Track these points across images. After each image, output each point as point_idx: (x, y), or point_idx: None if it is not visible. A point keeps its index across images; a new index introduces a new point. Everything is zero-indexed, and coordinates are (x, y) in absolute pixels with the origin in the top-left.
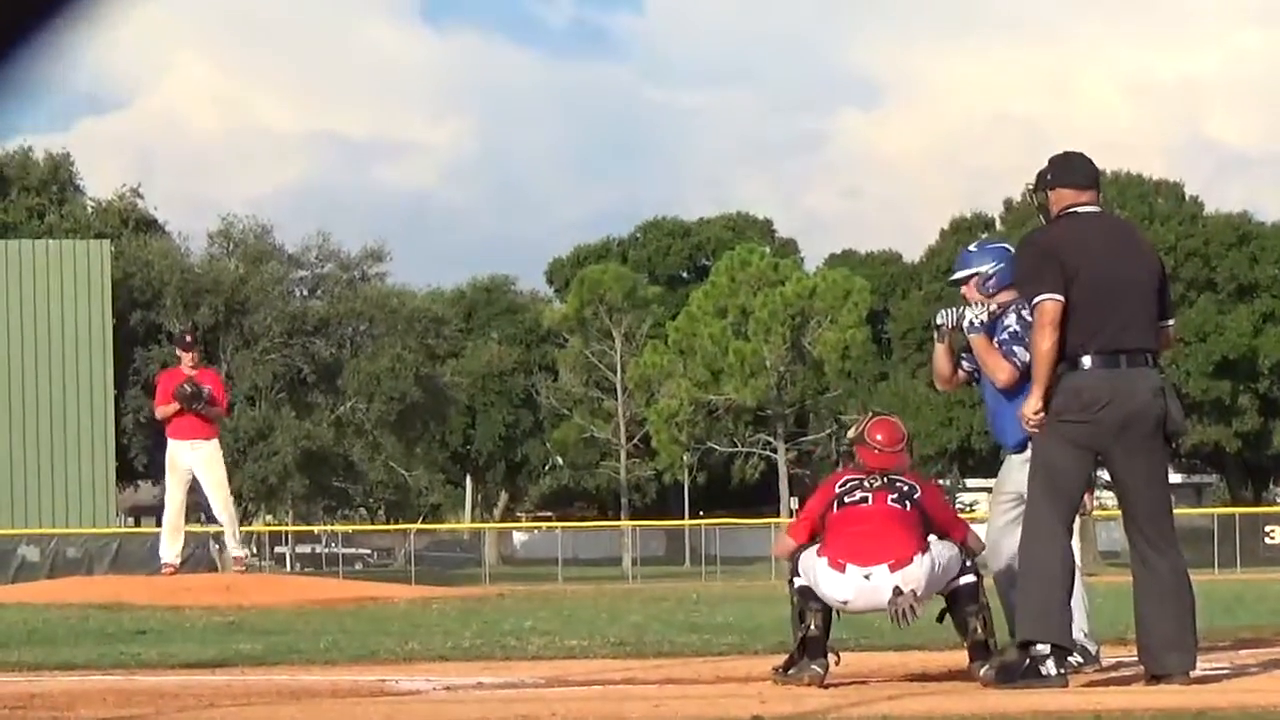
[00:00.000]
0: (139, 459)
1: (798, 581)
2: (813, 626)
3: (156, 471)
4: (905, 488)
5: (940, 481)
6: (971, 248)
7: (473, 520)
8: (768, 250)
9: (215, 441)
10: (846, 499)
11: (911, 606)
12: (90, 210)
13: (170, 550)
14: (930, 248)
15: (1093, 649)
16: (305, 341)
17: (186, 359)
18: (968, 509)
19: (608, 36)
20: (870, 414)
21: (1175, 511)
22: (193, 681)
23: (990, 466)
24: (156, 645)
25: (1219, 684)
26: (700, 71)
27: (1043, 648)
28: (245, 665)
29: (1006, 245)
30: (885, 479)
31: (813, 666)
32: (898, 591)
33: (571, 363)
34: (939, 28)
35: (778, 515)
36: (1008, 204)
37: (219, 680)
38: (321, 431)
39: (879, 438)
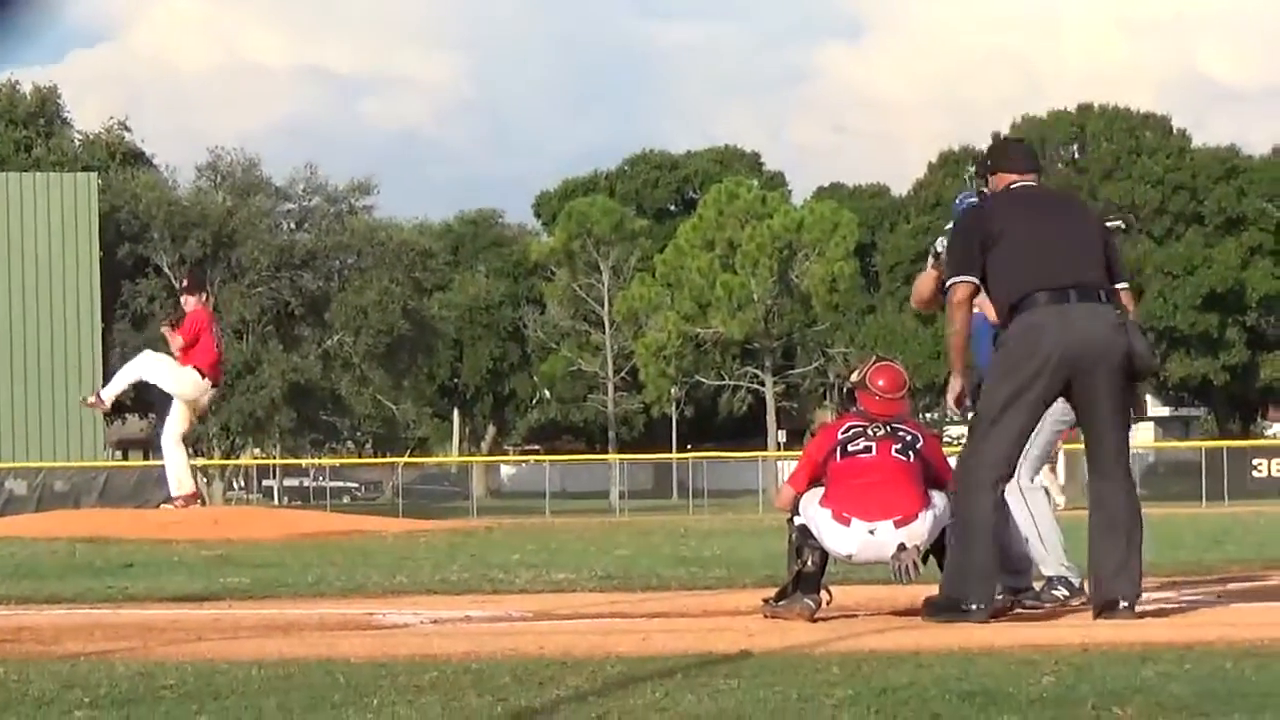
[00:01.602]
0: (126, 392)
1: (798, 520)
2: (809, 563)
3: (143, 405)
4: (909, 437)
5: (929, 415)
6: (957, 200)
7: (460, 453)
8: (755, 183)
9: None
10: (850, 447)
11: (915, 562)
12: (78, 143)
13: (182, 481)
14: (918, 181)
15: (1076, 581)
16: (293, 274)
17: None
18: (954, 443)
19: None
20: (873, 358)
21: (1163, 445)
22: (180, 615)
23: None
24: (144, 579)
25: (1207, 616)
26: (688, 5)
27: (971, 604)
28: (233, 599)
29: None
30: (889, 428)
31: (805, 600)
32: (902, 548)
33: (559, 296)
34: None
35: (765, 448)
36: (996, 137)
37: (207, 614)
38: (309, 365)
39: (881, 383)
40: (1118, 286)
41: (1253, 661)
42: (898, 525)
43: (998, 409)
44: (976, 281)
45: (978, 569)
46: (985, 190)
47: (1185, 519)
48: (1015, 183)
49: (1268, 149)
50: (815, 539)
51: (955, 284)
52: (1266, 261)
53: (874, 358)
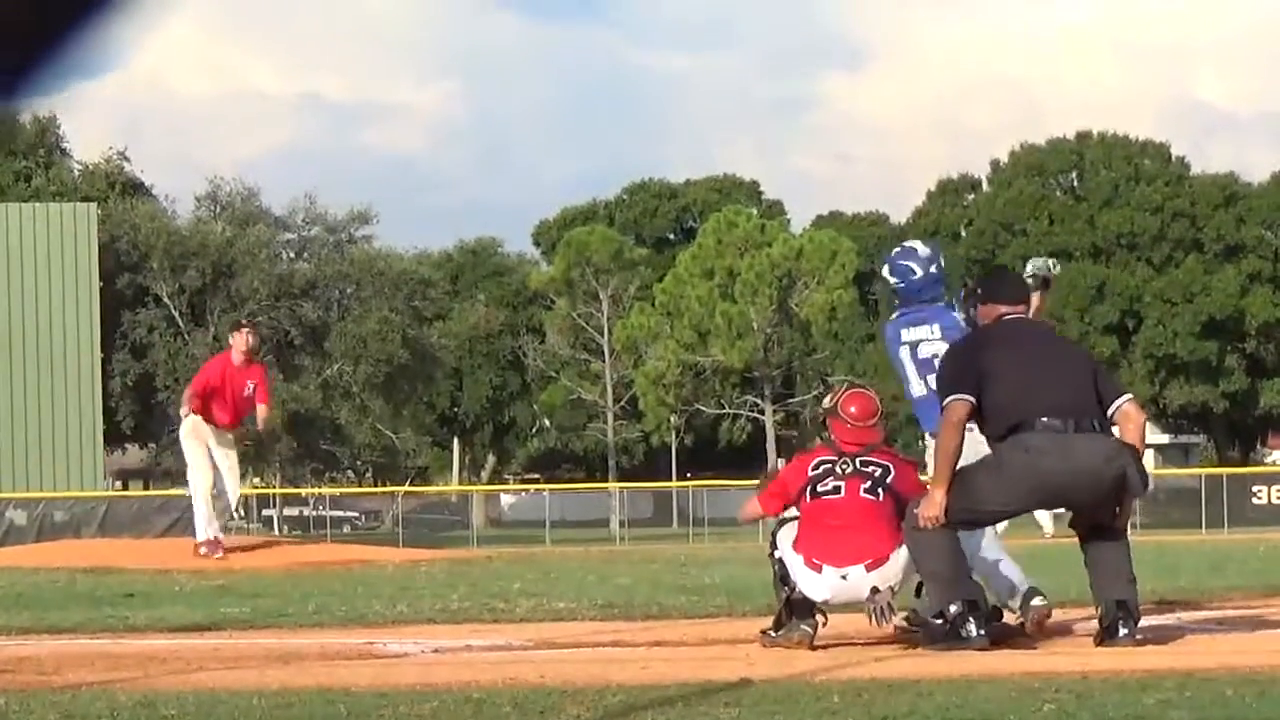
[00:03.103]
0: (126, 422)
1: (777, 554)
2: (798, 589)
3: (144, 435)
4: (878, 473)
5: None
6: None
7: (460, 483)
8: (754, 212)
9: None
10: (819, 487)
11: (890, 604)
12: (77, 173)
13: (213, 525)
14: (917, 209)
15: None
16: (292, 304)
17: (239, 345)
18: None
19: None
20: (845, 385)
21: (1163, 472)
22: (181, 645)
23: None
24: (145, 609)
25: (1207, 644)
26: (686, 34)
27: (955, 608)
28: (234, 628)
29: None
30: (856, 465)
31: (802, 627)
32: (875, 590)
33: (559, 325)
34: None
35: None
36: (994, 165)
37: (208, 644)
38: (309, 394)
39: (852, 410)
40: (1120, 401)
41: (1253, 689)
42: (869, 569)
43: (977, 492)
44: (973, 401)
45: (949, 576)
46: (973, 313)
47: (1185, 546)
48: (1006, 314)
49: (1267, 176)
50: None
51: (953, 402)
52: (1266, 288)
53: (846, 384)
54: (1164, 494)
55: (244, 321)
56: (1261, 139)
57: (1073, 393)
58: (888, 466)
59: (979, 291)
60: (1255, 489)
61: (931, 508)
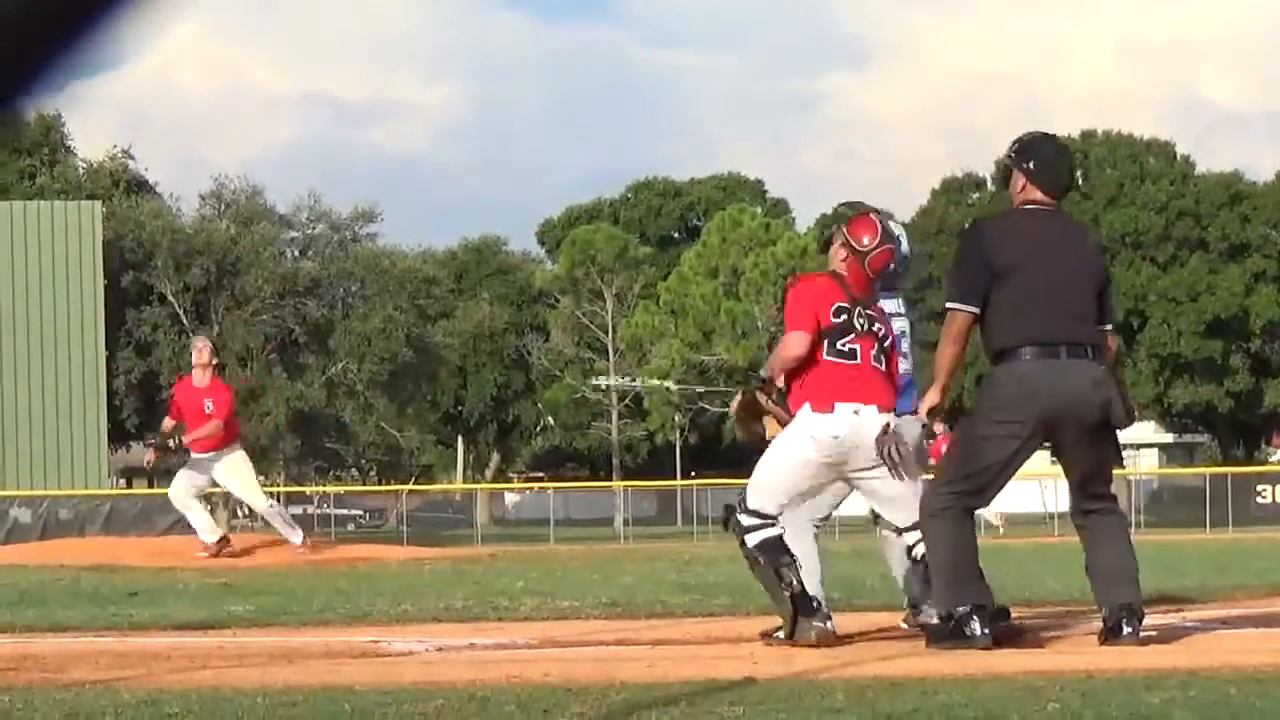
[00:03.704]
0: (131, 420)
1: (753, 538)
2: (795, 583)
3: (149, 432)
4: (885, 339)
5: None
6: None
7: (464, 481)
8: (759, 210)
9: (235, 447)
10: (839, 344)
11: (900, 448)
12: (81, 171)
13: (209, 529)
14: (921, 207)
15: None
16: (296, 302)
17: (194, 360)
18: None
19: None
20: (848, 211)
21: (1167, 471)
22: (185, 643)
23: None
24: (149, 607)
25: (1211, 644)
26: (690, 32)
27: (961, 609)
28: (238, 627)
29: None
30: (869, 323)
31: (815, 624)
32: (886, 428)
33: (563, 323)
34: None
35: None
36: (999, 164)
37: (212, 642)
38: (313, 392)
39: (865, 240)
40: (1102, 328)
41: (1257, 688)
42: (881, 410)
43: (977, 440)
44: (976, 312)
45: (959, 575)
46: (1008, 178)
47: (1190, 545)
48: (1035, 203)
49: (1271, 175)
50: (785, 554)
51: (956, 310)
52: (1270, 288)
53: (850, 209)
54: (1168, 493)
55: (201, 336)
56: (1267, 137)
57: (1072, 312)
58: (889, 334)
59: (1030, 165)
60: (1260, 488)
61: (927, 402)
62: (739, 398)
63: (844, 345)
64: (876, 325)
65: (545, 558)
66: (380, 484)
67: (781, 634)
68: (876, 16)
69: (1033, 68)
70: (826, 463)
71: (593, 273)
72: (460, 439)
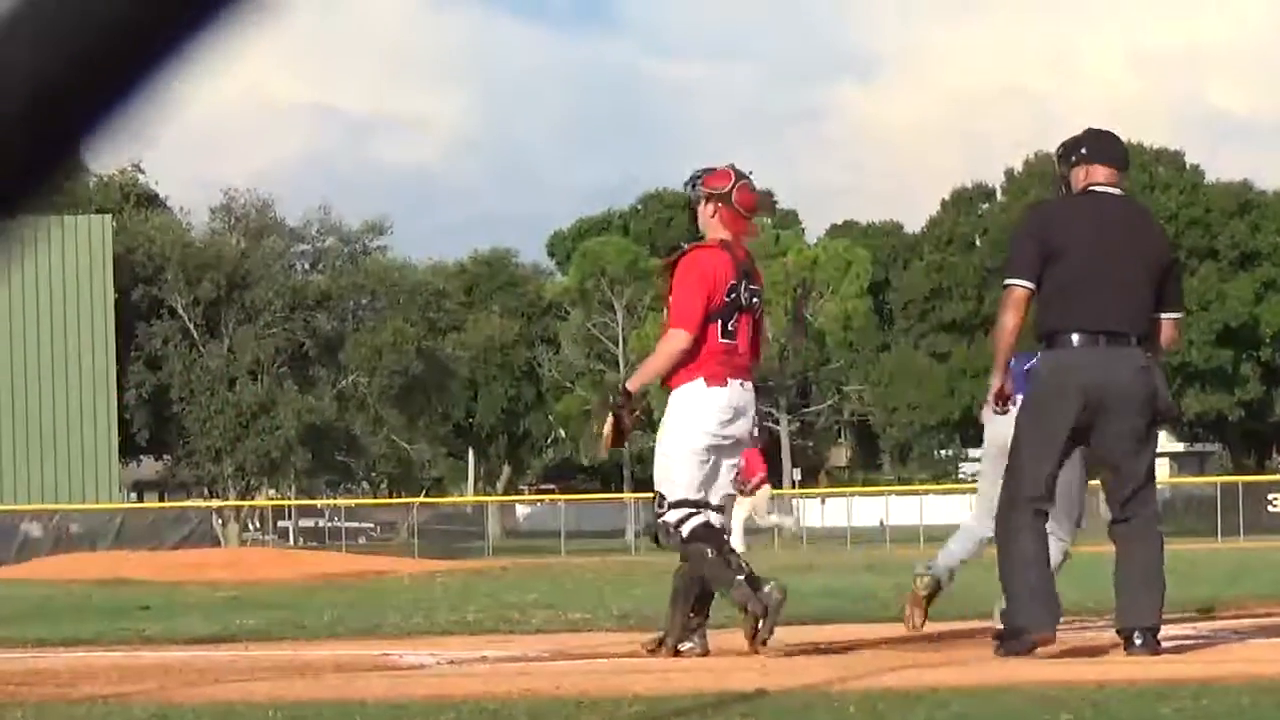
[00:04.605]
0: (141, 434)
1: (686, 527)
2: (742, 565)
3: (159, 446)
4: (758, 309)
5: (944, 452)
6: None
7: (475, 493)
8: (769, 222)
9: None
10: (729, 325)
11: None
12: (92, 186)
13: None
14: (931, 218)
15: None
16: (307, 315)
17: None
18: (971, 479)
19: (607, 10)
20: (697, 174)
21: (1179, 480)
22: (196, 656)
23: None
24: (160, 620)
25: (1224, 653)
26: (700, 44)
27: (1045, 631)
28: (249, 640)
29: None
30: (750, 294)
31: (766, 590)
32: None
33: (573, 335)
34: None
35: (780, 486)
36: (1009, 174)
37: (223, 655)
38: (324, 405)
39: (723, 185)
40: (1166, 316)
41: (1271, 698)
42: (746, 385)
43: (1032, 442)
44: (1033, 287)
45: (1032, 595)
46: (1066, 171)
47: (1201, 555)
48: (1098, 185)
49: None
50: (719, 537)
51: (1013, 285)
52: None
53: (730, 167)
54: (1179, 502)
55: None
56: (1276, 146)
57: (1123, 301)
58: (760, 302)
59: (1083, 151)
60: (1271, 497)
61: (993, 389)
62: (608, 417)
63: (732, 326)
64: (755, 300)
65: (556, 570)
66: (391, 497)
67: (676, 643)
68: (886, 28)
69: (1043, 78)
70: (720, 436)
71: (603, 284)
72: (471, 451)
